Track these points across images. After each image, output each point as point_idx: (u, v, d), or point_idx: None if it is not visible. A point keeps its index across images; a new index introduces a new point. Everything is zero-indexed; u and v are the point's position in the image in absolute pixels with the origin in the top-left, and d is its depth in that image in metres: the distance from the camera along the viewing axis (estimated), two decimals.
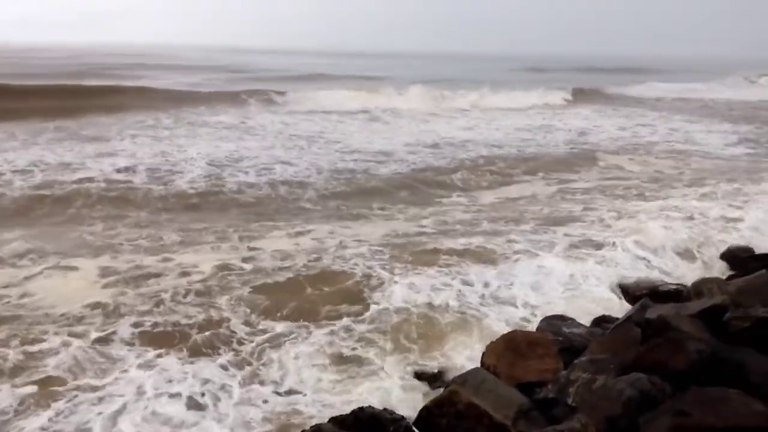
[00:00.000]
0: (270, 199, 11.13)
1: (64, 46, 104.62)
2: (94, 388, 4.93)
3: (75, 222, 9.43)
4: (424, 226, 9.57)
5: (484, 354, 5.14)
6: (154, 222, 9.52)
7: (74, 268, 7.38)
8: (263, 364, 5.42)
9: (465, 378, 4.50)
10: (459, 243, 8.43)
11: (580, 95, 33.05)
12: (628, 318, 5.19)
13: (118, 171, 12.35)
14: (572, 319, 5.90)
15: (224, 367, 5.33)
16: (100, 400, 4.78)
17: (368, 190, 12.00)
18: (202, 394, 4.93)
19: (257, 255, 8.01)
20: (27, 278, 7.07)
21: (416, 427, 4.27)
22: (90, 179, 11.59)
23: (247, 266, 7.59)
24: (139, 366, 5.28)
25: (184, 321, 6.11)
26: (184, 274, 7.28)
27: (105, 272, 7.29)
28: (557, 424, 3.96)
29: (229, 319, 6.17)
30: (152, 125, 18.83)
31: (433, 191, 12.16)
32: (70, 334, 5.74)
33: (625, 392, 4.06)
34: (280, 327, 6.06)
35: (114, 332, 5.84)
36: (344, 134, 18.99)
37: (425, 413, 4.35)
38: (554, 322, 5.74)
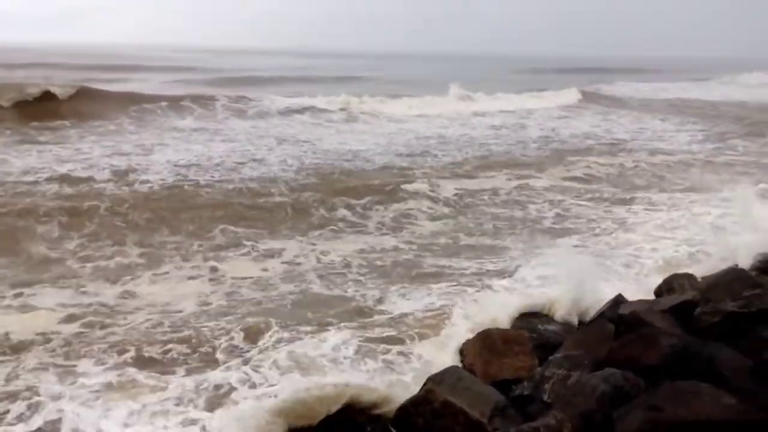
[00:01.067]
0: (237, 205, 10.67)
1: (31, 46, 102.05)
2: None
3: (28, 235, 8.77)
4: (400, 241, 9.37)
5: (460, 352, 5.16)
6: (115, 238, 8.93)
7: (32, 307, 6.64)
8: (272, 363, 5.31)
9: (441, 377, 4.52)
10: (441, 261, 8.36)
11: (561, 96, 33.09)
12: (602, 314, 5.25)
13: (78, 178, 11.82)
14: (547, 316, 5.96)
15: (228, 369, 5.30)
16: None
17: (338, 190, 11.76)
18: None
19: (228, 279, 7.62)
20: None
21: (393, 427, 4.27)
22: (48, 186, 11.18)
23: (219, 291, 7.26)
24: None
25: (174, 347, 5.78)
26: (159, 307, 6.82)
27: (62, 306, 6.68)
28: (533, 421, 3.99)
29: (216, 339, 5.93)
30: (115, 130, 18.11)
31: (399, 192, 11.85)
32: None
33: (598, 388, 4.11)
34: (286, 335, 5.89)
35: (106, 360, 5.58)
36: (318, 136, 18.84)
37: (402, 412, 4.37)
38: (529, 320, 5.79)
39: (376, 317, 6.42)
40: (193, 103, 22.93)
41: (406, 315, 6.38)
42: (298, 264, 8.19)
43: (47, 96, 21.11)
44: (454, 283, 7.34)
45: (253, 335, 5.95)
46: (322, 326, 6.13)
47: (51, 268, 7.71)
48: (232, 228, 9.44)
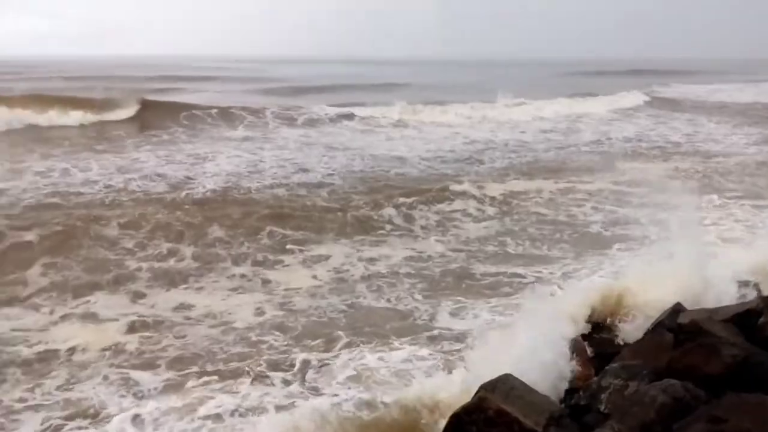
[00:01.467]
0: (287, 210, 10.87)
1: (78, 60, 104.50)
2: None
3: (89, 242, 9.01)
4: (447, 247, 9.30)
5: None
6: (170, 240, 9.18)
7: (93, 316, 6.82)
8: (336, 378, 5.36)
9: (494, 384, 4.45)
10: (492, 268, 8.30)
11: (624, 99, 32.49)
12: (660, 323, 5.12)
13: (134, 188, 12.24)
14: (609, 327, 5.82)
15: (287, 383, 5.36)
16: None
17: (385, 196, 11.80)
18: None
19: (280, 290, 7.67)
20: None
21: None
22: (106, 194, 11.62)
23: (272, 301, 7.31)
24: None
25: (234, 361, 5.82)
26: (216, 319, 6.87)
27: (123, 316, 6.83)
28: (590, 431, 3.92)
29: (274, 353, 5.98)
30: (169, 140, 18.60)
31: (446, 192, 11.93)
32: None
33: (658, 399, 4.01)
34: (345, 350, 5.92)
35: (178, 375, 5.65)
36: (367, 143, 18.97)
37: (455, 420, 4.32)
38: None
39: (436, 332, 6.35)
40: (243, 112, 23.32)
41: (467, 330, 6.31)
42: (346, 270, 8.24)
43: (99, 106, 21.98)
44: (515, 295, 7.26)
45: (312, 349, 5.97)
46: (382, 341, 6.10)
47: (110, 275, 7.93)
48: (281, 232, 9.61)
